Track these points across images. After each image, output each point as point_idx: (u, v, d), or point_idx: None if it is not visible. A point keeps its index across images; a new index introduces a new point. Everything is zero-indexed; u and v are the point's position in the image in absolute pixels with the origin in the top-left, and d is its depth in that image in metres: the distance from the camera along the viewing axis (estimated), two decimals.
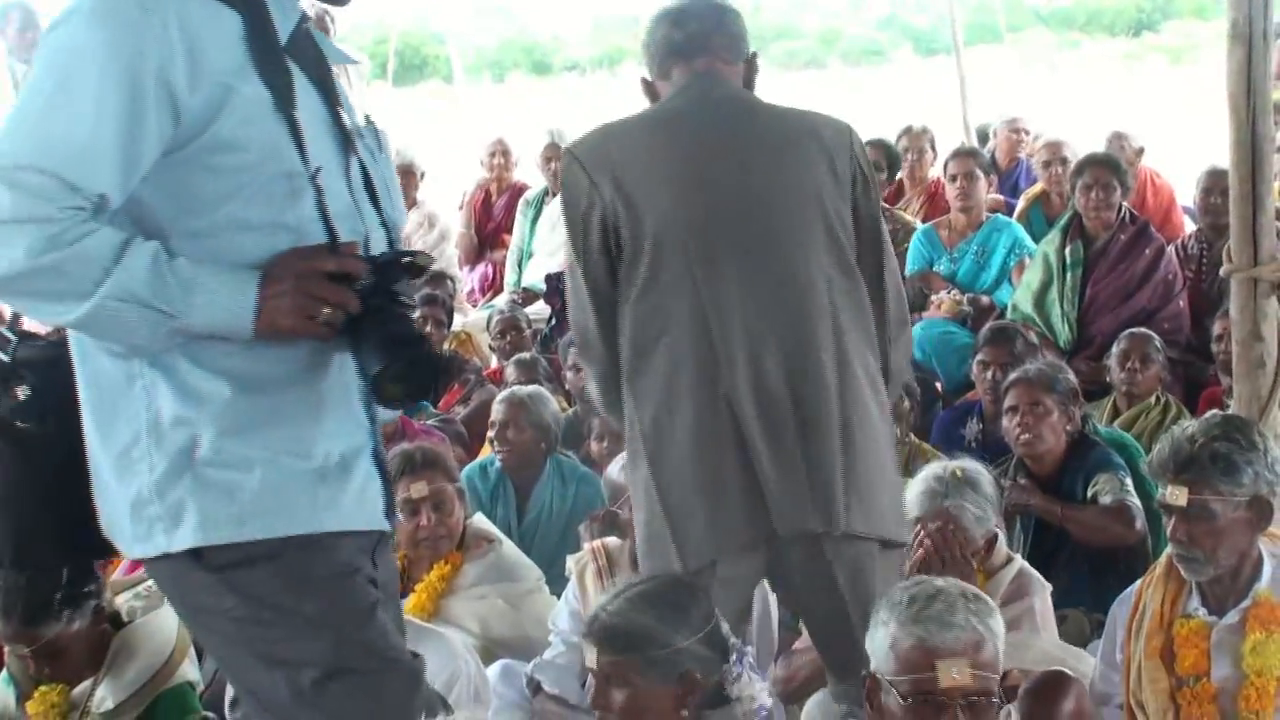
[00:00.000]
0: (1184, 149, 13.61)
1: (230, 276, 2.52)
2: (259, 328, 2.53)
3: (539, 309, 8.65)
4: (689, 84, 3.70)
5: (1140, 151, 9.13)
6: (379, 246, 2.72)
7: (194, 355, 2.56)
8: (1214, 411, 4.46)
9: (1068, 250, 7.22)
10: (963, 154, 8.47)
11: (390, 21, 18.63)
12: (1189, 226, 8.63)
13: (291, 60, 2.62)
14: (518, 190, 10.27)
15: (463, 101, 16.99)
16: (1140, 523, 5.07)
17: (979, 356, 6.26)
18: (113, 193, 2.46)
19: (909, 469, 5.42)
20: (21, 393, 2.67)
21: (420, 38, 28.69)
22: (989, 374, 6.14)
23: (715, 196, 3.59)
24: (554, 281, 8.38)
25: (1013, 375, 5.47)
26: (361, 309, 2.59)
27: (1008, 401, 5.38)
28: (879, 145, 8.95)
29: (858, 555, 3.63)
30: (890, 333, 3.77)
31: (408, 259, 2.68)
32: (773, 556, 3.65)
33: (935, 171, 9.02)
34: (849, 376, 3.61)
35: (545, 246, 9.41)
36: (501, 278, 9.91)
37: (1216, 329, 6.28)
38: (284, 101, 2.57)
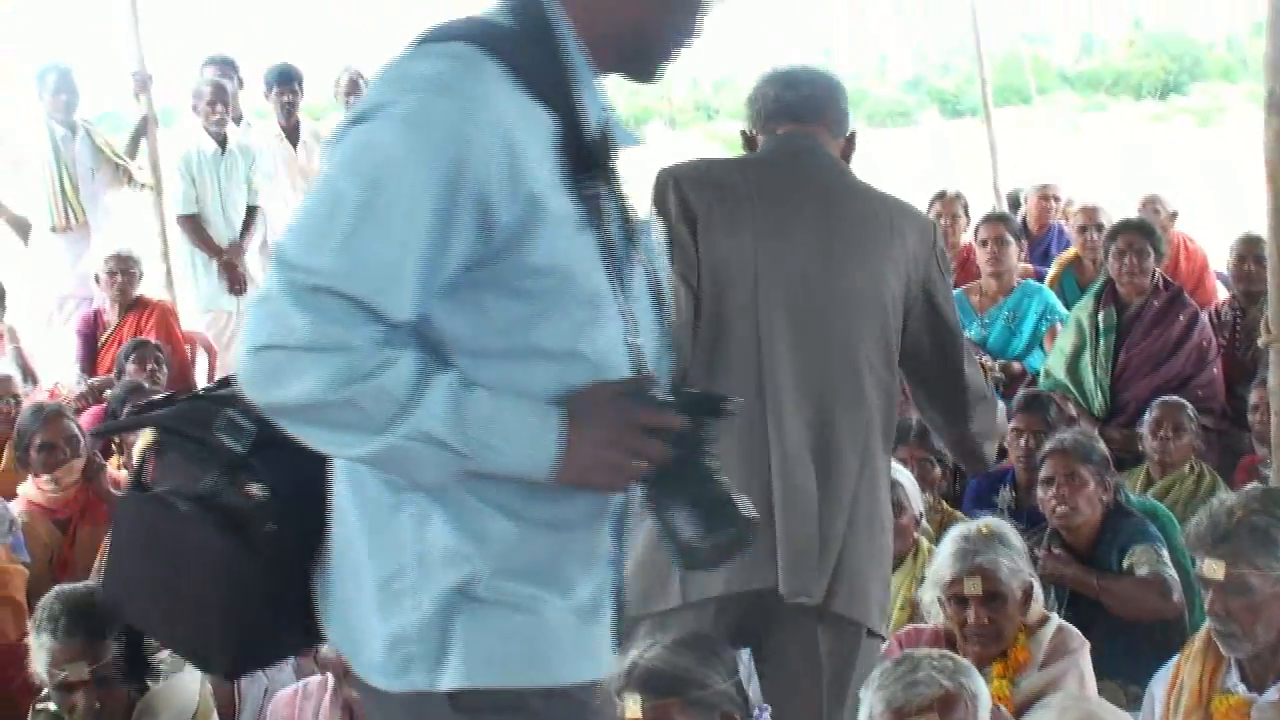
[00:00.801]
0: (1212, 211, 13.58)
1: (531, 418, 2.26)
2: (560, 478, 2.28)
3: None
4: (794, 139, 3.81)
5: (1174, 216, 9.12)
6: (657, 362, 2.46)
7: (477, 489, 2.31)
8: (1253, 484, 4.42)
9: (1101, 316, 7.19)
10: (993, 219, 8.46)
11: None
12: (1221, 292, 8.60)
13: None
14: None
15: None
16: (1178, 595, 5.01)
17: (1012, 424, 6.20)
18: (411, 317, 2.23)
19: (940, 537, 5.38)
20: (258, 490, 2.39)
21: None
22: (1022, 441, 6.10)
23: (793, 260, 3.69)
24: None
25: (1048, 446, 5.42)
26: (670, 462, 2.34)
27: (1043, 472, 5.33)
28: None
29: (839, 638, 3.69)
30: (969, 409, 3.88)
31: (715, 402, 2.41)
32: (764, 625, 3.72)
33: (968, 237, 8.99)
34: (870, 465, 3.70)
35: None
36: None
37: (1253, 398, 6.23)
38: (594, 217, 2.31)
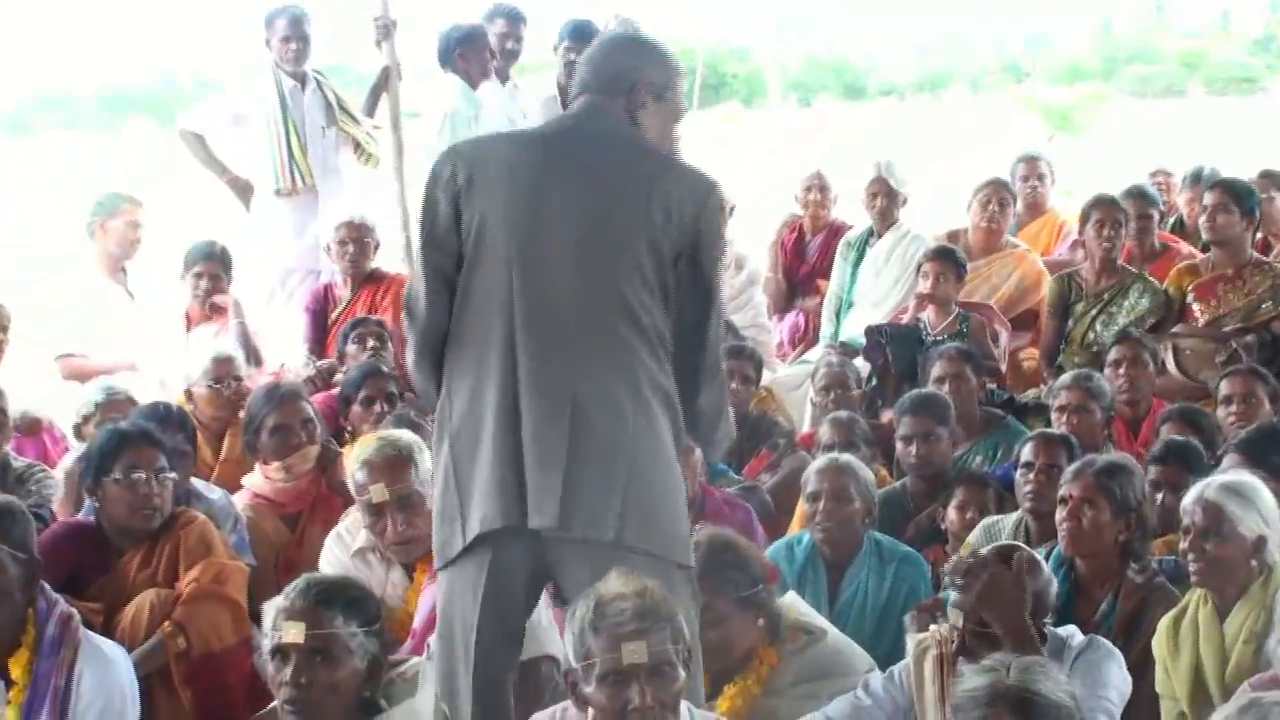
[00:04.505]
0: None
1: None
2: None
3: (857, 367, 8.46)
4: (583, 111, 4.69)
5: None
6: None
7: None
8: None
9: None
10: None
11: (693, 39, 18.71)
12: None
13: None
14: (835, 230, 10.11)
15: (764, 126, 16.97)
16: None
17: None
18: None
19: None
20: None
21: (720, 55, 28.83)
22: None
23: (549, 209, 4.47)
24: (876, 335, 8.29)
25: None
26: None
27: None
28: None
29: (647, 572, 4.18)
30: (702, 380, 4.58)
31: None
32: (551, 556, 4.45)
33: None
34: (643, 404, 4.39)
35: (869, 295, 9.21)
36: (814, 329, 9.81)
37: None
38: None
